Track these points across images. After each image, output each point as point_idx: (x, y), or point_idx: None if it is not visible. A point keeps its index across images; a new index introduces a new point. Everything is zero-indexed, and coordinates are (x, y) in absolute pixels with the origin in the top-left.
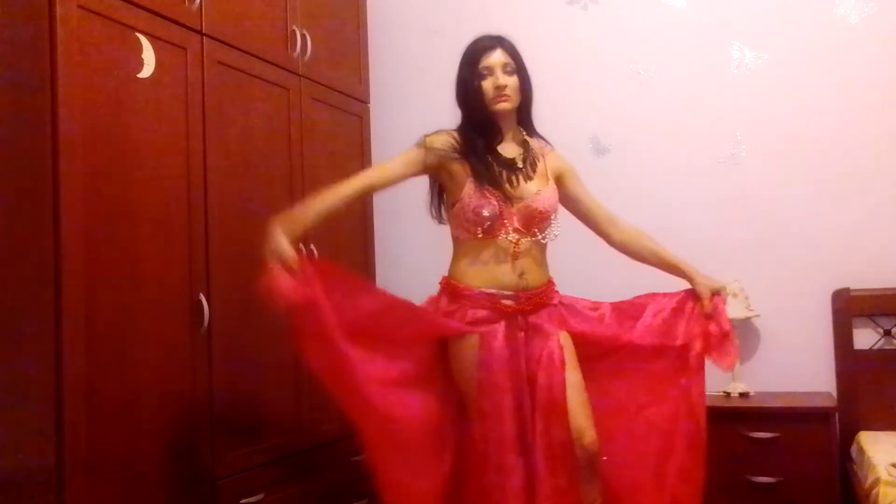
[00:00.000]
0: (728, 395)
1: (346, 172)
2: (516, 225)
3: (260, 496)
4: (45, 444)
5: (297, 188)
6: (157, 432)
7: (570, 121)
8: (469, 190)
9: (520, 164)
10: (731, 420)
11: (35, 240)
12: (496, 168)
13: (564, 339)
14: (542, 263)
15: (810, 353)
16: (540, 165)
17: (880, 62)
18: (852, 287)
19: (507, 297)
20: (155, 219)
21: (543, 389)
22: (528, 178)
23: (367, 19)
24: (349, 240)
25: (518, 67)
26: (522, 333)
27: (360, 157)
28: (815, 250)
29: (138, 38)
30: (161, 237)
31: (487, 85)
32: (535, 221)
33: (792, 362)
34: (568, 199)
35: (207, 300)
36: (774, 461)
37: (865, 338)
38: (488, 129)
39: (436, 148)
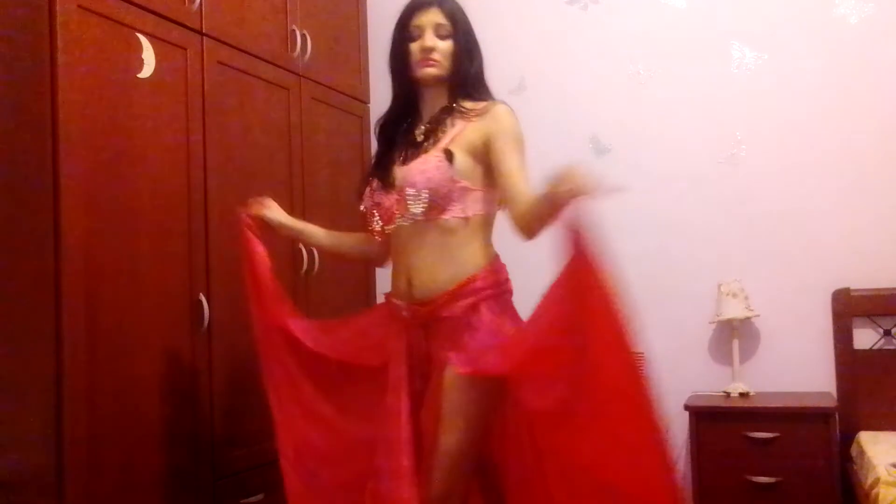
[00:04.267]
0: (728, 395)
1: (346, 172)
2: (396, 211)
3: (260, 496)
4: (45, 444)
5: (297, 188)
6: (157, 432)
7: (570, 121)
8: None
9: (420, 139)
10: (731, 420)
11: (35, 240)
12: (387, 152)
13: (450, 378)
14: (449, 255)
15: (810, 353)
16: (450, 132)
17: (880, 62)
18: (852, 287)
19: (403, 308)
20: (155, 218)
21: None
22: (426, 151)
23: (367, 19)
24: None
25: (457, 31)
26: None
27: (360, 157)
28: (815, 250)
29: (138, 38)
30: (161, 237)
31: (415, 47)
32: (403, 202)
33: (792, 362)
34: (493, 171)
35: (207, 300)
36: (774, 461)
37: (865, 338)
38: (405, 103)
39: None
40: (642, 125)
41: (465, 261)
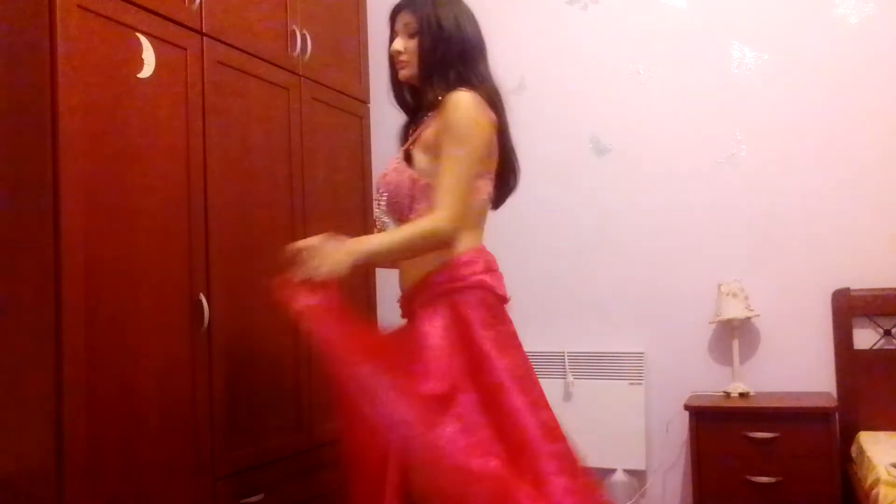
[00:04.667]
0: (728, 395)
1: (346, 172)
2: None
3: (260, 496)
4: (45, 444)
5: (297, 188)
6: (156, 432)
7: (570, 121)
8: None
9: (408, 138)
10: (731, 420)
11: (35, 240)
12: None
13: None
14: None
15: (810, 353)
16: (420, 131)
17: (880, 62)
18: (852, 287)
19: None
20: (155, 219)
21: None
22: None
23: (367, 19)
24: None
25: (422, 27)
26: None
27: (360, 157)
28: (815, 250)
29: (138, 38)
30: (161, 237)
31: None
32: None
33: (792, 362)
34: None
35: (207, 300)
36: (774, 461)
37: (865, 338)
38: (410, 106)
39: None
40: (642, 125)
41: (430, 256)
